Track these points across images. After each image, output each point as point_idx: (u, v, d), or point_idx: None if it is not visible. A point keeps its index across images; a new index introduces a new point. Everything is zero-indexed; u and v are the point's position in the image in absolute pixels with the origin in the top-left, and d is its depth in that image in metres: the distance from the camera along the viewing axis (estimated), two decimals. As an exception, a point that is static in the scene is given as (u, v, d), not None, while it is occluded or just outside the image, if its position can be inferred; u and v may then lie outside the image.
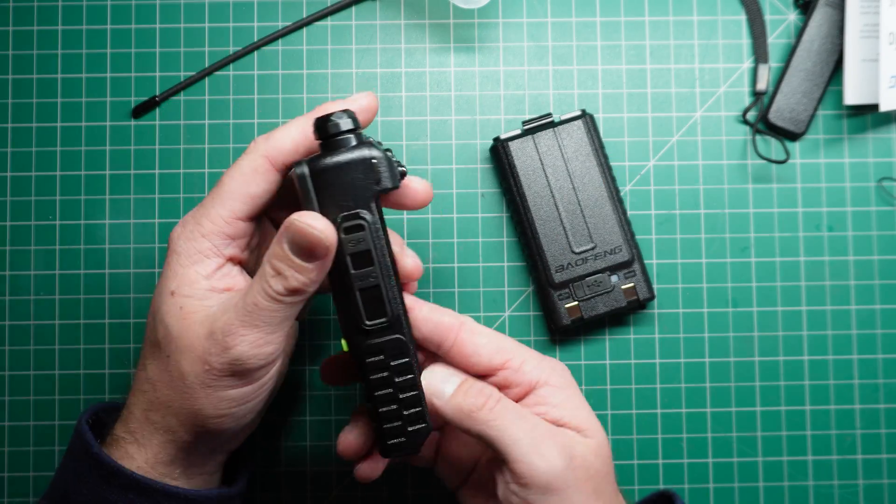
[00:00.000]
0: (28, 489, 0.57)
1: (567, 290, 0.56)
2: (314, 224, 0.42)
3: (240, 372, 0.43)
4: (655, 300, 0.58)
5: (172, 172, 0.59)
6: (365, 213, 0.43)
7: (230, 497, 0.49)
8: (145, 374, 0.46)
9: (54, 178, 0.58)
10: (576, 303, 0.56)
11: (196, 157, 0.59)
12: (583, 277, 0.56)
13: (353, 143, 0.43)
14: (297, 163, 0.43)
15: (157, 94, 0.59)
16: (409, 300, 0.46)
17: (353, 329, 0.44)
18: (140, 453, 0.46)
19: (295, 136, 0.45)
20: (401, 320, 0.44)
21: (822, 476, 0.58)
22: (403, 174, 0.44)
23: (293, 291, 0.42)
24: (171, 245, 0.45)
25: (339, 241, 0.43)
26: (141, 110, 0.59)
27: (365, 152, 0.42)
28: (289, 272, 0.42)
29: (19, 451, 0.58)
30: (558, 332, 0.58)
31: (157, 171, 0.59)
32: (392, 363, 0.44)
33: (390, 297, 0.44)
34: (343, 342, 0.45)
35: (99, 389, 0.58)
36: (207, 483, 0.49)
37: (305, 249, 0.42)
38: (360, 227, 0.43)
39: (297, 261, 0.42)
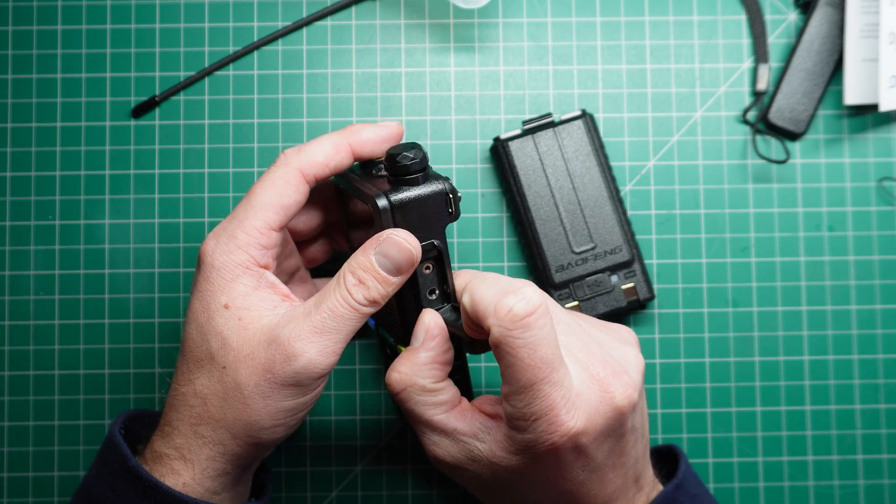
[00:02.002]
0: (28, 489, 0.57)
1: (567, 290, 0.56)
2: (409, 239, 0.44)
3: (302, 381, 0.44)
4: (655, 300, 0.58)
5: (172, 172, 0.58)
6: (438, 243, 0.46)
7: None
8: (192, 389, 0.45)
9: (54, 178, 0.58)
10: (576, 303, 0.56)
11: (196, 157, 0.59)
12: (583, 277, 0.56)
13: (424, 177, 0.45)
14: (377, 195, 0.44)
15: (157, 94, 0.59)
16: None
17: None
18: (187, 469, 0.45)
19: (327, 150, 0.47)
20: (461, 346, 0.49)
21: (822, 476, 0.58)
22: (460, 198, 0.47)
23: (371, 302, 0.44)
24: (205, 259, 0.46)
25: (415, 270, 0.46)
26: (141, 110, 0.59)
27: (439, 187, 0.45)
28: (372, 283, 0.44)
29: (19, 451, 0.58)
30: (558, 332, 0.58)
31: (156, 171, 0.59)
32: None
33: (457, 324, 0.47)
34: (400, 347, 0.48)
35: (99, 389, 0.58)
36: (242, 495, 0.49)
37: (395, 262, 0.44)
38: (434, 256, 0.46)
39: (383, 273, 0.44)
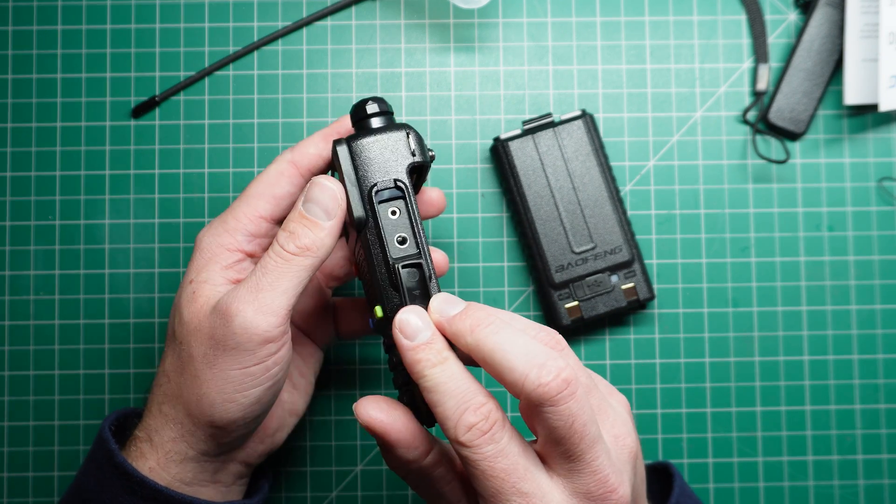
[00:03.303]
0: (28, 489, 0.57)
1: (567, 290, 0.56)
2: (328, 181, 0.44)
3: (242, 343, 0.43)
4: (655, 300, 0.58)
5: (172, 172, 0.58)
6: (401, 182, 0.44)
7: None
8: (162, 368, 0.47)
9: (54, 178, 0.58)
10: (576, 303, 0.56)
11: (196, 157, 0.59)
12: (583, 277, 0.56)
13: (386, 122, 0.46)
14: (337, 140, 0.45)
15: (157, 94, 0.59)
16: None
17: (387, 302, 0.44)
18: (153, 452, 0.46)
19: (318, 143, 0.48)
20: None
21: (822, 476, 0.58)
22: (433, 157, 0.46)
23: (304, 249, 0.43)
24: (196, 244, 0.47)
25: (376, 211, 0.44)
26: (141, 110, 0.59)
27: (399, 127, 0.45)
28: (301, 230, 0.44)
29: (19, 451, 0.58)
30: (558, 332, 0.58)
31: (156, 171, 0.59)
32: None
33: (430, 270, 0.44)
34: (378, 309, 0.44)
35: (98, 390, 0.58)
36: (225, 496, 0.49)
37: (321, 204, 0.44)
38: (397, 196, 0.45)
39: (309, 216, 0.44)
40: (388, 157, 0.45)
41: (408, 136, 0.45)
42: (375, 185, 0.44)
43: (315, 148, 0.48)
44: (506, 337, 0.39)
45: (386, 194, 0.44)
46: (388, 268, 0.43)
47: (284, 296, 0.43)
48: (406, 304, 0.43)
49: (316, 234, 0.44)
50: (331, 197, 0.44)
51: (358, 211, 0.44)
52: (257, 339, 0.43)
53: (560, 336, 0.42)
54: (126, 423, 0.49)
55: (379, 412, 0.41)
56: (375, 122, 0.46)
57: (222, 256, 0.46)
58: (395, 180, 0.44)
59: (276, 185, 0.47)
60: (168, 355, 0.46)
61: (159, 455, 0.45)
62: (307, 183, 0.46)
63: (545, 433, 0.39)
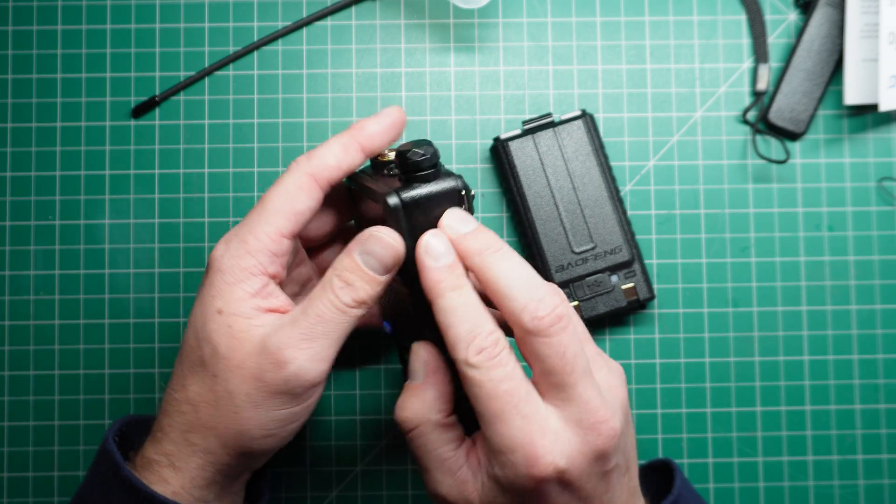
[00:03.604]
0: (28, 489, 0.57)
1: (567, 290, 0.56)
2: (392, 235, 0.43)
3: (294, 388, 0.43)
4: (655, 300, 0.58)
5: (172, 172, 0.59)
6: None
7: None
8: (185, 395, 0.45)
9: (54, 178, 0.58)
10: (576, 303, 0.56)
11: (196, 157, 0.59)
12: (583, 277, 0.56)
13: (436, 174, 0.44)
14: (387, 193, 0.43)
15: (157, 94, 0.59)
16: None
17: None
18: (176, 478, 0.45)
19: (337, 153, 0.46)
20: None
21: (822, 476, 0.58)
22: (473, 197, 0.46)
23: (360, 303, 0.44)
24: (214, 264, 0.45)
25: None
26: (141, 110, 0.59)
27: (451, 183, 0.44)
28: (359, 283, 0.43)
29: (19, 451, 0.58)
30: (558, 332, 0.58)
31: (156, 171, 0.59)
32: None
33: None
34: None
35: (98, 390, 0.58)
36: (234, 503, 0.48)
37: (380, 260, 0.43)
38: None
39: (369, 272, 0.43)
40: (441, 207, 0.44)
41: (460, 193, 0.44)
42: None
43: (335, 159, 0.46)
44: (511, 266, 0.42)
45: None
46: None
47: (336, 345, 0.44)
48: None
49: (373, 289, 0.44)
50: (393, 255, 0.43)
51: (414, 269, 0.44)
52: (308, 385, 0.44)
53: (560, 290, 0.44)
54: (128, 433, 0.49)
55: (428, 353, 0.44)
56: (427, 173, 0.44)
57: (248, 282, 0.44)
58: None
59: (296, 201, 0.45)
60: (193, 383, 0.45)
61: (184, 480, 0.45)
62: (325, 195, 0.46)
63: (538, 364, 0.41)
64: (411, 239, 0.44)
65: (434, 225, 0.44)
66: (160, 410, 0.46)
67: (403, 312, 0.47)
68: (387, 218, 0.44)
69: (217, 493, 0.46)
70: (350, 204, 0.52)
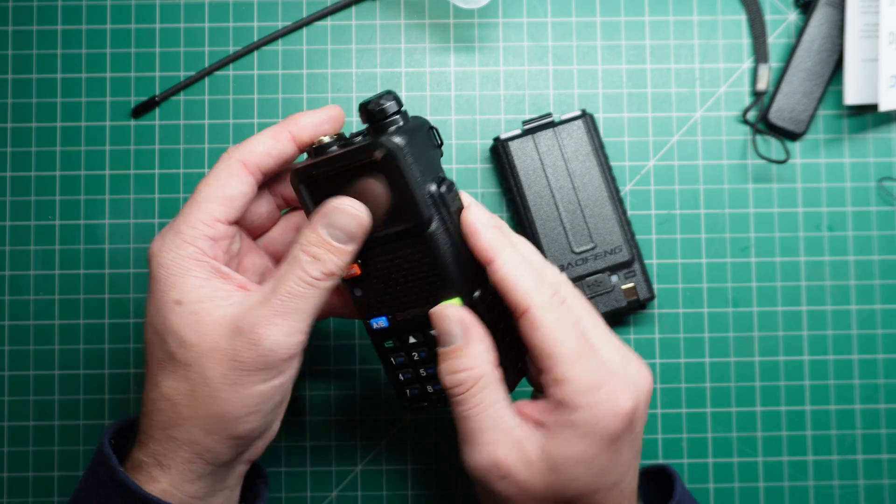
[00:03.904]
0: (28, 489, 0.57)
1: (567, 290, 0.56)
2: (353, 204, 0.44)
3: (270, 364, 0.43)
4: (655, 300, 0.58)
5: (172, 172, 0.59)
6: (446, 177, 0.46)
7: None
8: (159, 393, 0.45)
9: (54, 178, 0.58)
10: (576, 303, 0.56)
11: (196, 157, 0.59)
12: (583, 277, 0.56)
13: (404, 118, 0.45)
14: (379, 145, 0.43)
15: (157, 94, 0.59)
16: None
17: (467, 294, 0.46)
18: (164, 476, 0.45)
19: (267, 141, 0.47)
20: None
21: (822, 476, 0.58)
22: (437, 130, 0.47)
23: (329, 275, 0.44)
24: (153, 259, 0.45)
25: (446, 201, 0.45)
26: (141, 110, 0.59)
27: (420, 120, 0.45)
28: (325, 255, 0.44)
29: (19, 451, 0.58)
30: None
31: (156, 171, 0.59)
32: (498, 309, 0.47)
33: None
34: (457, 300, 0.46)
35: (98, 390, 0.58)
36: (229, 499, 0.48)
37: (345, 230, 0.44)
38: (452, 187, 0.45)
39: (335, 244, 0.44)
40: (426, 151, 0.45)
41: (430, 127, 0.45)
42: (443, 180, 0.45)
43: (264, 146, 0.46)
44: (519, 257, 0.45)
45: (444, 188, 0.45)
46: (468, 256, 0.45)
47: (310, 318, 0.44)
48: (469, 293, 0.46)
49: (340, 259, 0.44)
50: (358, 224, 0.44)
51: (425, 211, 0.44)
52: (284, 357, 0.44)
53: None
54: (125, 435, 0.49)
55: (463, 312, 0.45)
56: (400, 121, 0.44)
57: (197, 270, 0.45)
58: (443, 177, 0.45)
59: (226, 186, 0.45)
60: (165, 379, 0.45)
61: (173, 477, 0.45)
62: (257, 182, 0.46)
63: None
64: (422, 177, 0.44)
65: (428, 164, 0.44)
66: (141, 414, 0.46)
67: (401, 289, 0.46)
68: (391, 166, 0.43)
69: (209, 487, 0.46)
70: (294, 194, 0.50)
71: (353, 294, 0.47)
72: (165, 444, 0.45)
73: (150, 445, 0.45)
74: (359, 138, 0.45)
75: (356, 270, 0.46)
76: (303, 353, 0.45)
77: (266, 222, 0.50)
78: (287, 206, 0.51)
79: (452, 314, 0.45)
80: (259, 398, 0.44)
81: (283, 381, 0.45)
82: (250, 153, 0.46)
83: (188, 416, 0.44)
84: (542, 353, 0.43)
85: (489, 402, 0.44)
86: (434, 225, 0.44)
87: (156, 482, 0.45)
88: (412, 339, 0.47)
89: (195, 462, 0.45)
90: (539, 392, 0.47)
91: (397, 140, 0.43)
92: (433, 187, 0.44)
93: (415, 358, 0.48)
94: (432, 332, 0.46)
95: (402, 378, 0.49)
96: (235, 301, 0.44)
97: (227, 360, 0.43)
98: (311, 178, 0.45)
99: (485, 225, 0.45)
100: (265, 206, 0.50)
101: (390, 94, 0.44)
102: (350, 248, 0.44)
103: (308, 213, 0.46)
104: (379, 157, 0.43)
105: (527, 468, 0.43)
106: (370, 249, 0.46)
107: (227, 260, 0.47)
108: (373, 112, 0.44)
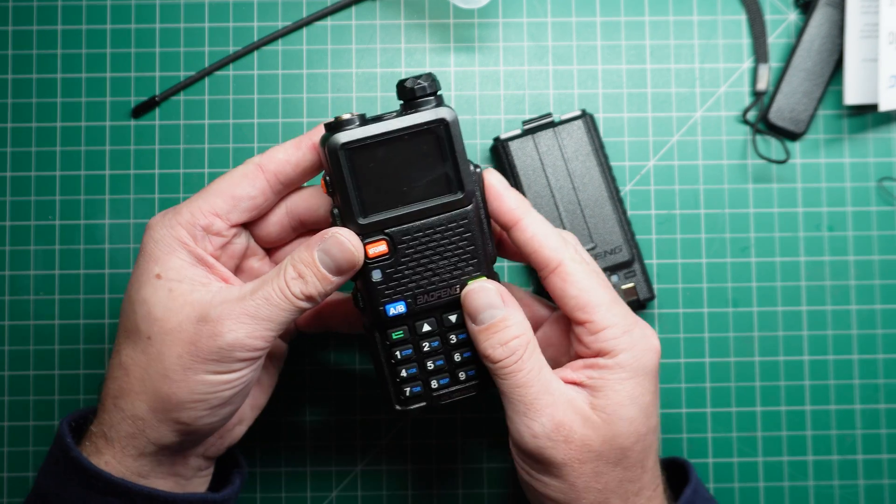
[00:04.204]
0: (28, 489, 0.57)
1: (567, 290, 0.56)
2: (352, 240, 0.44)
3: (225, 358, 0.44)
4: (655, 300, 0.58)
5: (172, 172, 0.59)
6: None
7: (215, 502, 0.48)
8: (118, 360, 0.46)
9: (54, 178, 0.58)
10: (576, 303, 0.56)
11: (196, 157, 0.59)
12: (583, 277, 0.56)
13: (436, 102, 0.45)
14: (442, 111, 0.44)
15: (157, 94, 0.59)
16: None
17: (488, 261, 0.47)
18: (108, 448, 0.45)
19: (288, 148, 0.47)
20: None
21: (822, 476, 0.58)
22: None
23: (308, 297, 0.44)
24: (148, 231, 0.46)
25: (481, 180, 0.47)
26: (141, 110, 0.59)
27: (445, 104, 0.45)
28: (310, 278, 0.44)
29: (19, 451, 0.58)
30: (558, 332, 0.58)
31: (156, 171, 0.59)
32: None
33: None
34: (483, 279, 0.47)
35: (98, 390, 0.58)
36: (184, 488, 0.48)
37: (336, 262, 0.44)
38: (479, 170, 0.47)
39: (323, 271, 0.44)
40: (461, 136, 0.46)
41: (456, 117, 0.46)
42: (475, 167, 0.46)
43: (284, 154, 0.47)
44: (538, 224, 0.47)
45: (478, 169, 0.47)
46: (491, 236, 0.47)
47: (277, 329, 0.44)
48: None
49: (323, 287, 0.44)
50: (347, 259, 0.44)
51: (470, 185, 0.46)
52: (242, 356, 0.44)
53: None
54: (87, 421, 0.49)
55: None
56: (434, 102, 0.45)
57: (183, 253, 0.45)
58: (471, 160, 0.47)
59: (237, 186, 0.46)
60: (126, 347, 0.45)
61: (115, 450, 0.45)
62: (273, 191, 0.47)
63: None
64: (467, 164, 0.45)
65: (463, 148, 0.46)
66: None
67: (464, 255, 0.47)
68: (452, 139, 0.45)
69: (152, 468, 0.46)
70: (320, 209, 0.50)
71: (368, 280, 0.46)
72: (112, 413, 0.45)
73: (101, 416, 0.46)
74: (392, 114, 0.45)
75: (384, 248, 0.45)
76: (261, 361, 0.46)
77: (277, 241, 0.50)
78: (303, 229, 0.50)
79: (491, 286, 0.46)
80: (206, 387, 0.44)
81: (233, 378, 0.44)
82: (269, 159, 0.47)
83: (138, 389, 0.45)
84: (579, 304, 0.45)
85: (540, 365, 0.45)
86: (474, 201, 0.46)
87: (100, 454, 0.45)
88: (426, 328, 0.47)
89: (137, 438, 0.45)
90: (563, 356, 0.49)
91: (447, 114, 0.44)
92: (471, 166, 0.46)
93: (425, 349, 0.47)
94: (451, 316, 0.47)
95: (404, 374, 0.48)
96: (213, 290, 0.45)
97: (185, 343, 0.44)
98: (355, 143, 0.44)
99: (508, 188, 0.47)
100: (277, 225, 0.49)
101: (430, 75, 0.45)
102: (335, 280, 0.44)
103: (339, 184, 0.45)
104: (448, 119, 0.44)
105: (585, 425, 0.44)
106: (402, 224, 0.45)
107: (220, 256, 0.47)
108: (412, 90, 0.45)
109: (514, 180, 0.56)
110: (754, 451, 0.58)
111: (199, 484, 0.50)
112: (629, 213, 0.59)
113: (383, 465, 0.58)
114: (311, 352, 0.58)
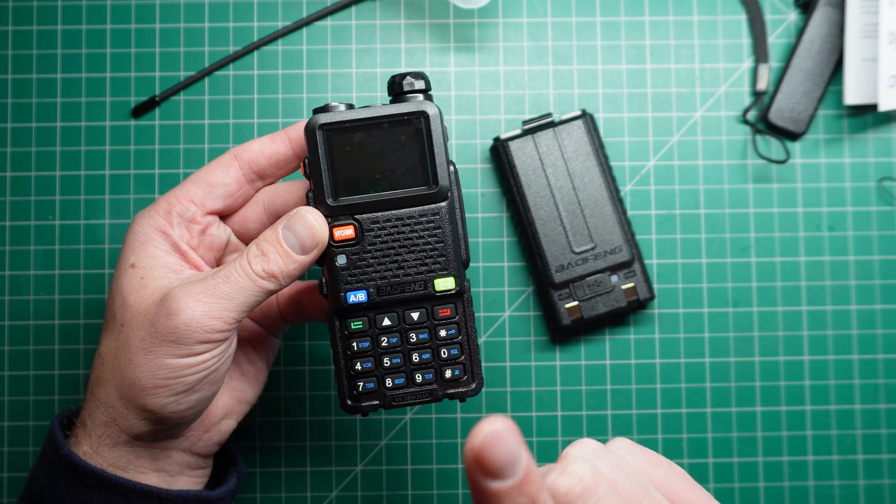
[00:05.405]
0: (28, 489, 0.57)
1: (567, 290, 0.56)
2: (317, 218, 0.44)
3: (182, 338, 0.43)
4: (655, 300, 0.58)
5: (172, 172, 0.59)
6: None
7: (210, 500, 0.48)
8: (98, 350, 0.47)
9: (54, 178, 0.58)
10: (576, 303, 0.56)
11: (196, 157, 0.59)
12: (583, 277, 0.56)
13: (429, 96, 0.47)
14: (426, 104, 0.45)
15: (157, 93, 0.59)
16: None
17: (460, 275, 0.47)
18: (86, 438, 0.46)
19: (263, 141, 0.48)
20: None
21: (822, 476, 0.58)
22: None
23: (270, 275, 0.44)
24: (131, 225, 0.48)
25: (458, 181, 0.47)
26: (141, 110, 0.59)
27: (432, 104, 0.46)
28: (272, 255, 0.44)
29: (19, 451, 0.58)
30: (558, 332, 0.58)
31: (156, 171, 0.59)
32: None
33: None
34: (452, 280, 0.46)
35: (99, 389, 0.58)
36: (171, 485, 0.48)
37: (299, 239, 0.44)
38: (457, 172, 0.47)
39: (286, 248, 0.44)
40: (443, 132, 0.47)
41: (440, 115, 0.46)
42: (451, 165, 0.47)
43: (259, 145, 0.48)
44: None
45: (455, 169, 0.47)
46: (465, 240, 0.47)
47: (237, 309, 0.44)
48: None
49: (286, 265, 0.44)
50: (310, 235, 0.44)
51: (444, 181, 0.46)
52: (197, 338, 0.43)
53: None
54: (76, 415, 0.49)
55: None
56: (423, 98, 0.46)
57: (159, 241, 0.46)
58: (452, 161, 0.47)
59: (212, 174, 0.47)
60: (105, 338, 0.46)
61: (92, 439, 0.45)
62: (248, 180, 0.48)
63: None
64: (445, 157, 0.45)
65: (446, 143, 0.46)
66: None
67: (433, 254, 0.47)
68: (429, 127, 0.45)
69: (130, 459, 0.46)
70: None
71: (332, 264, 0.45)
72: (90, 403, 0.46)
73: (83, 408, 0.47)
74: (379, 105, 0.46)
75: (351, 233, 0.45)
76: (229, 346, 0.45)
77: (257, 236, 0.50)
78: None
79: (502, 426, 0.30)
80: (167, 371, 0.44)
81: (195, 362, 0.44)
82: (244, 149, 0.48)
83: (110, 377, 0.45)
84: None
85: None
86: (448, 199, 0.46)
87: (80, 444, 0.46)
88: (387, 321, 0.46)
89: (111, 427, 0.45)
90: None
91: (436, 107, 0.45)
92: (450, 166, 0.46)
93: (383, 343, 0.46)
94: (414, 314, 0.46)
95: (359, 368, 0.46)
96: (184, 277, 0.45)
97: (146, 325, 0.44)
98: (334, 125, 0.45)
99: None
100: (256, 222, 0.50)
101: (420, 73, 0.46)
102: (299, 259, 0.44)
103: (314, 165, 0.45)
104: (429, 112, 0.45)
105: None
106: (372, 212, 0.45)
107: (198, 247, 0.47)
108: (400, 84, 0.46)
109: (514, 180, 0.56)
110: (754, 451, 0.58)
111: (192, 482, 0.49)
112: (629, 213, 0.59)
113: (383, 465, 0.58)
114: (311, 351, 0.58)
